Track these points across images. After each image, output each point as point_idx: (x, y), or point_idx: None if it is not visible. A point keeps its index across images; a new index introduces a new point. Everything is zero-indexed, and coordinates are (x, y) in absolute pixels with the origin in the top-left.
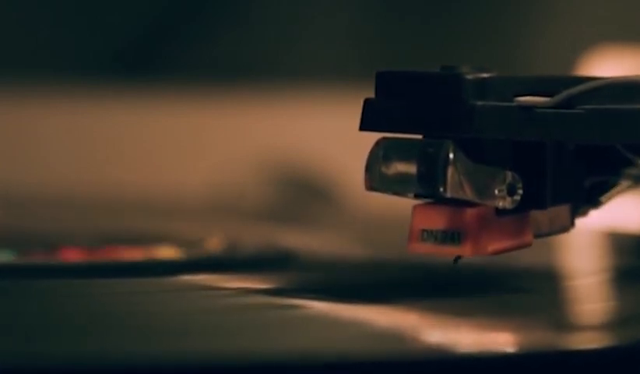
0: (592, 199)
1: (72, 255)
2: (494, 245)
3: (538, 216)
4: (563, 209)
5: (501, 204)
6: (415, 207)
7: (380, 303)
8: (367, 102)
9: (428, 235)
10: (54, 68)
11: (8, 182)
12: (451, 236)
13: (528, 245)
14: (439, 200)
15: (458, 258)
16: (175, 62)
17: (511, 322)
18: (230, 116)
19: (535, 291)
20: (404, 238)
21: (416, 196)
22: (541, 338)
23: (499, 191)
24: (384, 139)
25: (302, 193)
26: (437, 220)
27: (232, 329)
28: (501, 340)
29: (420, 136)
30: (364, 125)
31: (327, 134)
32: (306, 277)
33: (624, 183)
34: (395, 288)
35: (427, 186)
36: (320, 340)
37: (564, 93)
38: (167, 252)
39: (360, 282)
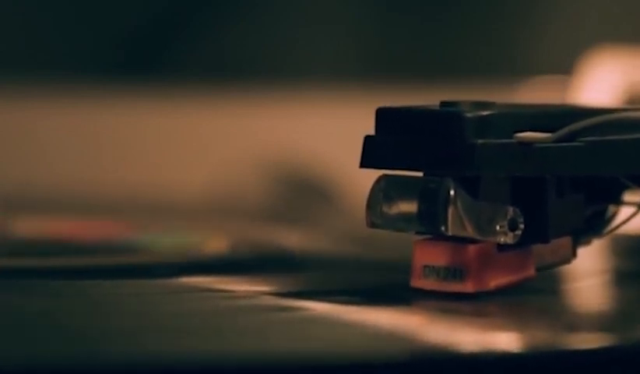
0: (593, 227)
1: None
2: (496, 281)
3: (540, 248)
4: (565, 240)
5: (502, 240)
6: (416, 243)
7: (380, 303)
8: (367, 139)
9: (430, 271)
10: (54, 68)
11: (8, 182)
12: (453, 272)
13: (530, 278)
14: (441, 236)
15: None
16: (175, 62)
17: (512, 323)
18: (230, 116)
19: (535, 292)
20: (403, 238)
21: (418, 233)
22: (542, 338)
23: (500, 226)
24: (384, 176)
25: (302, 193)
26: (438, 256)
27: (232, 331)
28: (502, 341)
29: (420, 173)
30: (365, 163)
31: (327, 134)
32: (306, 278)
33: (626, 211)
34: (396, 288)
35: (428, 224)
36: (320, 340)
37: (565, 130)
38: (166, 253)
39: (360, 282)
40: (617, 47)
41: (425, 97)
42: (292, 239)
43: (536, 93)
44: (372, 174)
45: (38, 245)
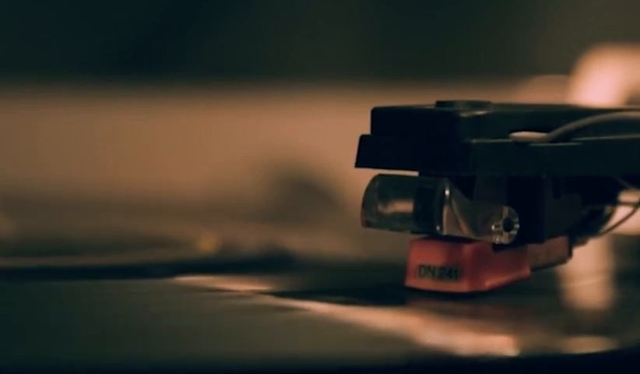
0: (589, 227)
1: None
2: (491, 280)
3: (535, 248)
4: (560, 240)
5: (497, 239)
6: (412, 242)
7: (376, 303)
8: (362, 139)
9: (426, 271)
10: (53, 68)
11: (8, 182)
12: (448, 272)
13: (525, 278)
14: (436, 236)
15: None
16: (175, 62)
17: (507, 324)
18: (230, 116)
19: (531, 292)
20: (399, 237)
21: (413, 232)
22: (538, 340)
23: (496, 226)
24: (380, 176)
25: (302, 193)
26: (434, 256)
27: (231, 331)
28: (497, 343)
29: (415, 173)
30: (360, 162)
31: (327, 134)
32: (306, 278)
33: (622, 211)
34: (391, 288)
35: (424, 224)
36: (319, 341)
37: (560, 130)
38: (165, 253)
39: (357, 282)
40: (617, 47)
41: (425, 98)
42: (292, 239)
43: (536, 93)
44: (371, 174)
45: (38, 245)
